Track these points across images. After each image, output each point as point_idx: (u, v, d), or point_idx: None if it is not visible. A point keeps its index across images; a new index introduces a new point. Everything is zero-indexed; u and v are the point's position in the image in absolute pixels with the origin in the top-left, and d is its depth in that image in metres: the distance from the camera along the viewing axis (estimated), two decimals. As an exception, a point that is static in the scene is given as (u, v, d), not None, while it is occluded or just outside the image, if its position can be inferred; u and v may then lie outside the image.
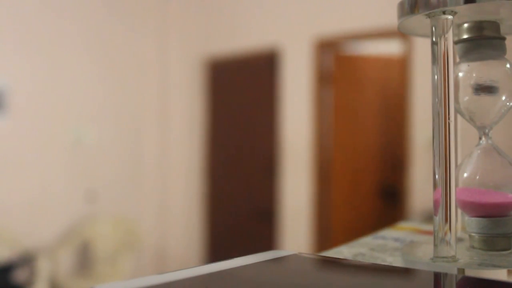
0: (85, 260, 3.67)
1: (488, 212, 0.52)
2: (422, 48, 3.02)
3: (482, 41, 0.53)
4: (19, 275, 3.03)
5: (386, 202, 3.39)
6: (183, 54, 4.31)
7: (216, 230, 4.28)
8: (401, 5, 0.51)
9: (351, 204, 3.53)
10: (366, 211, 3.47)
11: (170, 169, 4.29)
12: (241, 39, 4.03)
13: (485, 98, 0.54)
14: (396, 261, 0.56)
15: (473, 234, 0.53)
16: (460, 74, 0.54)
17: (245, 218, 4.05)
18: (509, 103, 0.53)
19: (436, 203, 0.49)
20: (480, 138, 0.56)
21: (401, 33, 0.57)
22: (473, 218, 0.53)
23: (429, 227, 0.74)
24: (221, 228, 4.23)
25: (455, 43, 0.54)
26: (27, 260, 3.10)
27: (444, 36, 0.48)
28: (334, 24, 3.53)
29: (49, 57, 3.50)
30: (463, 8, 0.48)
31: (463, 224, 0.57)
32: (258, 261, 0.45)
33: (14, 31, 3.33)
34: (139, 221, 3.97)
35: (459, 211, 0.58)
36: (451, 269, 0.47)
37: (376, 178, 3.46)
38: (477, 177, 0.54)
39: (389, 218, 3.21)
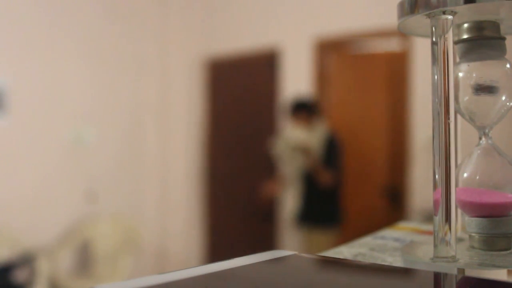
0: (85, 260, 3.67)
1: (488, 212, 0.52)
2: (422, 48, 3.02)
3: (482, 41, 0.53)
4: (19, 275, 3.03)
5: (386, 202, 3.39)
6: (183, 54, 4.31)
7: (216, 230, 4.28)
8: (401, 5, 0.51)
9: (351, 204, 3.53)
10: (365, 211, 3.46)
11: (170, 169, 4.29)
12: (241, 39, 4.03)
13: (485, 98, 0.54)
14: (396, 261, 0.56)
15: (473, 234, 0.53)
16: (460, 74, 0.54)
17: (245, 218, 4.05)
18: (509, 103, 0.53)
19: (436, 203, 0.49)
20: (480, 138, 0.56)
21: (401, 33, 0.57)
22: (473, 218, 0.53)
23: (429, 227, 0.74)
24: (221, 228, 4.23)
25: (455, 43, 0.54)
26: (27, 260, 3.10)
27: (444, 36, 0.48)
28: (334, 24, 3.53)
29: (49, 57, 3.50)
30: (463, 8, 0.48)
31: (463, 224, 0.57)
32: (258, 261, 0.45)
33: (14, 31, 3.33)
34: (139, 221, 3.97)
35: (459, 211, 0.58)
36: (451, 269, 0.47)
37: (376, 178, 3.46)
38: (477, 177, 0.54)
39: (389, 218, 3.21)
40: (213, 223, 4.29)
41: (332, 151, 3.32)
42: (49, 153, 3.52)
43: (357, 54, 3.56)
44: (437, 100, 0.49)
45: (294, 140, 3.27)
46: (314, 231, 3.32)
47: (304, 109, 3.32)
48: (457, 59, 0.55)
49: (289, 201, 3.44)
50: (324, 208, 3.37)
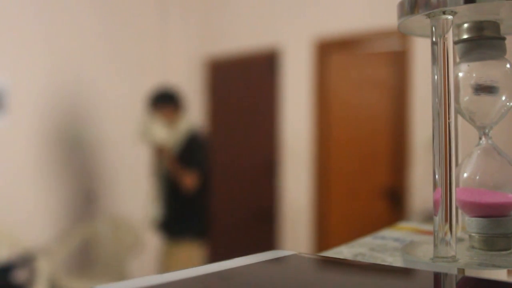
0: (85, 260, 3.67)
1: (488, 212, 0.52)
2: (422, 48, 3.02)
3: (482, 41, 0.53)
4: (19, 275, 3.03)
5: (386, 202, 3.39)
6: (183, 54, 4.31)
7: (216, 230, 4.28)
8: (401, 5, 0.51)
9: (351, 204, 3.53)
10: (366, 211, 3.47)
11: (170, 169, 4.29)
12: (241, 39, 4.03)
13: (485, 98, 0.54)
14: (396, 261, 0.56)
15: (473, 234, 0.53)
16: (460, 74, 0.54)
17: (245, 218, 4.05)
18: (509, 103, 0.53)
19: (436, 203, 0.49)
20: (480, 138, 0.56)
21: (401, 33, 0.57)
22: (473, 218, 0.53)
23: (429, 227, 0.74)
24: (221, 228, 4.23)
25: (455, 43, 0.54)
26: (27, 260, 3.10)
27: (444, 36, 0.48)
28: (334, 24, 3.53)
29: (49, 57, 3.50)
30: (463, 8, 0.48)
31: (463, 224, 0.57)
32: (258, 261, 0.45)
33: (14, 32, 3.33)
34: (139, 221, 3.97)
35: (459, 211, 0.58)
36: (451, 269, 0.47)
37: (376, 178, 3.46)
38: (477, 177, 0.54)
39: (389, 218, 3.21)
40: (213, 223, 4.28)
41: (194, 150, 2.92)
42: (49, 153, 3.52)
43: (357, 54, 3.56)
44: (437, 100, 0.49)
45: (151, 136, 2.88)
46: (175, 243, 2.92)
47: (168, 102, 2.95)
48: (457, 59, 0.55)
49: (151, 204, 3.07)
50: (186, 217, 2.93)
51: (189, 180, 2.85)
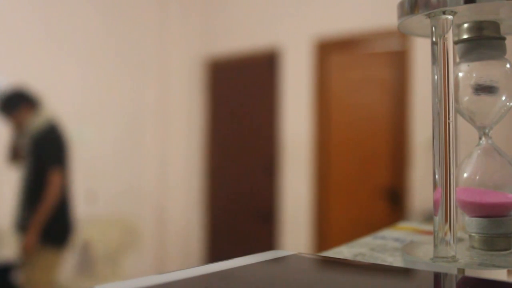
0: (85, 260, 3.67)
1: (488, 212, 0.52)
2: (422, 48, 3.02)
3: (482, 41, 0.53)
4: (19, 275, 3.03)
5: (386, 202, 3.39)
6: (183, 54, 4.31)
7: (216, 231, 4.28)
8: (401, 5, 0.51)
9: (351, 204, 3.53)
10: (366, 211, 3.47)
11: (170, 169, 4.29)
12: (241, 39, 4.03)
13: (485, 98, 0.54)
14: (396, 261, 0.56)
15: (473, 234, 0.53)
16: (460, 74, 0.54)
17: (245, 218, 4.05)
18: (509, 103, 0.53)
19: (436, 203, 0.49)
20: (480, 138, 0.56)
21: (401, 33, 0.57)
22: (473, 218, 0.53)
23: (429, 227, 0.74)
24: (221, 229, 4.23)
25: (455, 43, 0.54)
26: (27, 260, 3.10)
27: (444, 36, 0.48)
28: (335, 24, 3.53)
29: (48, 57, 3.50)
30: (463, 8, 0.48)
31: (463, 224, 0.57)
32: (258, 261, 0.45)
33: (14, 32, 3.33)
34: (139, 221, 3.97)
35: (459, 211, 0.58)
36: (451, 269, 0.47)
37: (376, 179, 3.46)
38: (477, 177, 0.54)
39: (389, 218, 3.21)
40: (213, 223, 4.29)
41: (49, 144, 2.74)
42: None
43: (357, 54, 3.56)
44: (437, 100, 0.49)
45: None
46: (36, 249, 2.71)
47: (15, 105, 2.75)
48: (457, 59, 0.55)
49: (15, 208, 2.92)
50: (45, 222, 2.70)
51: (54, 182, 2.68)
